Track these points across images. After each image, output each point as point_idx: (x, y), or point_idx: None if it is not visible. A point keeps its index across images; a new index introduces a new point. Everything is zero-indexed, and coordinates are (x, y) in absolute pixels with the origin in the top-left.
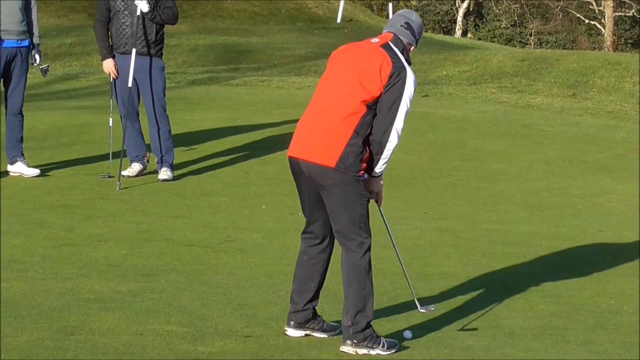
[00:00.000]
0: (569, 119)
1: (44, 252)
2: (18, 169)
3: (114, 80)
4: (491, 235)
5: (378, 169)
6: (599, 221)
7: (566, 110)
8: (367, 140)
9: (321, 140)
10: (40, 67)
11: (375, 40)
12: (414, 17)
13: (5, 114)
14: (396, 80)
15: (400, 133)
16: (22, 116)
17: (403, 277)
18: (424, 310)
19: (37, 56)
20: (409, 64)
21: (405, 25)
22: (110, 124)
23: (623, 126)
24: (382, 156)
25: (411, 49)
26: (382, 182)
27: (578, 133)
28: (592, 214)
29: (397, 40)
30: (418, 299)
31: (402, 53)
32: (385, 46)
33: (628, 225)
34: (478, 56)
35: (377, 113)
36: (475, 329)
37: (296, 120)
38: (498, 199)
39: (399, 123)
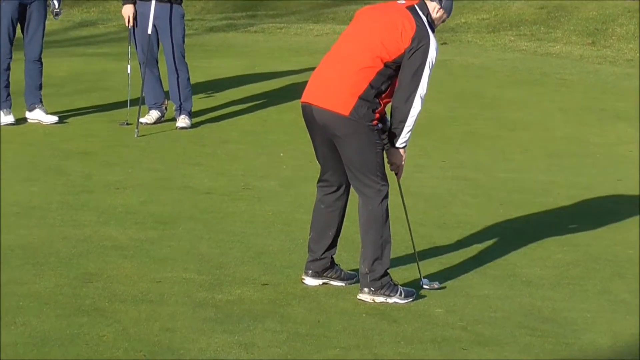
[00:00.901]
0: (588, 67)
1: (62, 199)
2: (36, 115)
3: (133, 27)
4: (509, 184)
5: (401, 139)
6: (618, 170)
7: (585, 59)
8: (380, 95)
9: (336, 89)
10: (54, 10)
11: (402, 2)
12: None
13: (24, 61)
14: (419, 45)
15: (424, 99)
16: (41, 63)
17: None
18: (427, 287)
19: (55, 2)
20: (433, 30)
21: None
22: (129, 71)
23: None
24: (407, 124)
25: (438, 15)
26: (404, 155)
27: (597, 81)
28: (611, 162)
29: (423, 4)
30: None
31: (427, 17)
32: (411, 8)
33: None
34: (497, 4)
35: (399, 80)
36: (444, 287)
37: (314, 68)
38: (516, 148)
39: (422, 89)
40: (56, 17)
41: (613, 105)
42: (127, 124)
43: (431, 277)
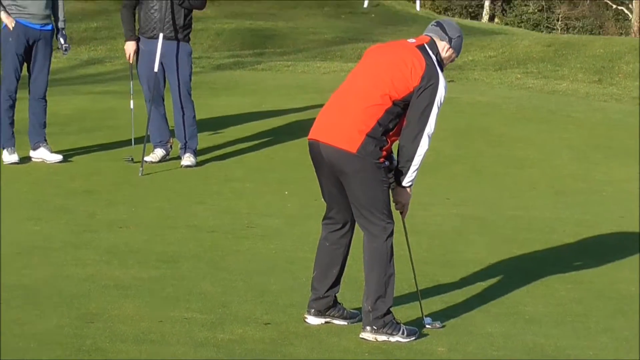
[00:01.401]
0: (595, 104)
1: (65, 238)
2: (41, 154)
3: (139, 64)
4: (515, 221)
5: (408, 178)
6: (623, 207)
7: (592, 96)
8: (387, 133)
9: (344, 126)
10: (63, 46)
11: (412, 40)
12: (452, 22)
13: (29, 99)
14: (428, 84)
15: (431, 137)
16: (46, 101)
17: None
18: (429, 326)
19: (62, 40)
20: (442, 69)
21: (441, 28)
22: (132, 107)
23: None
24: (413, 162)
25: (447, 54)
26: (410, 194)
27: (604, 119)
28: (617, 200)
29: (432, 43)
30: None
31: (437, 57)
32: (421, 47)
33: None
34: (504, 41)
35: (407, 119)
36: (444, 325)
37: (321, 106)
38: (523, 185)
39: (430, 128)
40: (65, 53)
41: (620, 142)
42: (132, 159)
43: (434, 316)
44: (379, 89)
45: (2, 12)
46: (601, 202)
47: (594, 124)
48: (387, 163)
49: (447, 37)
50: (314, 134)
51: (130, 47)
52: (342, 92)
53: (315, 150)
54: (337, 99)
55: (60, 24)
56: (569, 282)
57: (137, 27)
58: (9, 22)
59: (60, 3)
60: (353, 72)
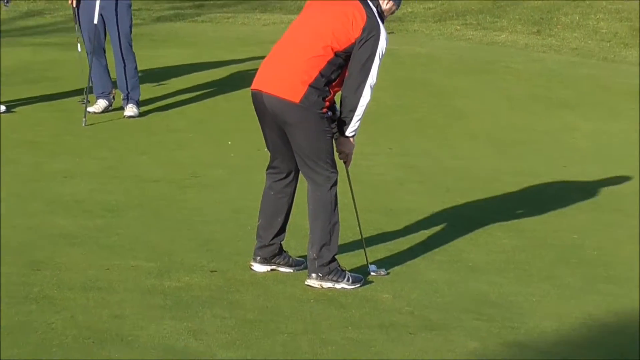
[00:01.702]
0: (534, 55)
1: (10, 189)
2: None
3: (80, 17)
4: (456, 171)
5: (351, 128)
6: (563, 157)
7: (530, 47)
8: (330, 84)
9: (286, 77)
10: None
11: None
12: None
13: None
14: (369, 36)
15: (373, 88)
16: None
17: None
18: (374, 273)
19: None
20: (383, 21)
21: None
22: (79, 50)
23: (587, 63)
24: (356, 113)
25: (388, 5)
26: (354, 143)
27: (542, 70)
28: (556, 150)
29: None
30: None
31: (377, 9)
32: (362, 0)
33: (591, 161)
34: None
35: (349, 70)
36: (388, 273)
37: (262, 57)
38: (463, 136)
39: (372, 79)
40: (7, 5)
41: (558, 93)
42: (87, 101)
43: (378, 264)
44: (321, 40)
45: None
46: (540, 152)
47: (533, 75)
48: (329, 113)
49: None
50: (256, 84)
51: None
52: (283, 43)
53: (258, 100)
54: (279, 50)
55: None
56: (511, 230)
57: None
58: None
59: None
60: (294, 23)
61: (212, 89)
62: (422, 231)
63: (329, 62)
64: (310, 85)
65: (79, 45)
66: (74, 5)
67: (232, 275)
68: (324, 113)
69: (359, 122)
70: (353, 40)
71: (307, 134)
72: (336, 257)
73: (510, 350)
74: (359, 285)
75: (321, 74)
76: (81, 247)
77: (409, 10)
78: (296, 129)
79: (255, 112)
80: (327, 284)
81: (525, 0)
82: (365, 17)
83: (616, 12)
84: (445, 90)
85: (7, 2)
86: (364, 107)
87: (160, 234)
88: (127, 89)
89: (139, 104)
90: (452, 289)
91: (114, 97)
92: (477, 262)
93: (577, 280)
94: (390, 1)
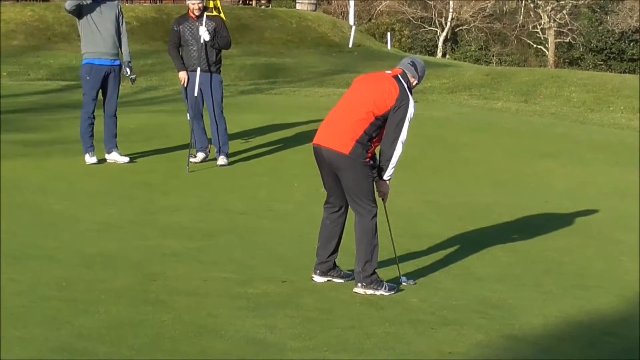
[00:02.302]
0: (522, 118)
1: (131, 219)
2: (113, 157)
3: (185, 90)
4: (465, 205)
5: (387, 174)
6: (545, 194)
7: (520, 112)
8: (371, 140)
9: (339, 135)
10: (131, 77)
11: (388, 72)
12: (418, 59)
13: (104, 116)
14: (401, 104)
15: (404, 143)
16: (116, 117)
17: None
18: (404, 283)
19: (128, 69)
20: (411, 92)
21: (411, 63)
22: (189, 118)
23: (562, 124)
24: (391, 162)
25: (414, 82)
26: (389, 185)
27: (529, 129)
28: (540, 189)
29: (404, 74)
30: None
31: (407, 84)
32: (396, 77)
33: (567, 197)
34: (454, 72)
35: (386, 130)
36: (416, 283)
37: (320, 120)
38: (469, 178)
39: (403, 136)
40: (133, 83)
41: (541, 146)
42: (193, 156)
43: (408, 275)
44: (365, 107)
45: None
46: (528, 190)
47: (522, 133)
48: (371, 162)
49: (417, 75)
50: (316, 140)
51: (183, 74)
52: (337, 109)
53: (318, 152)
54: (333, 114)
55: (126, 58)
56: (507, 250)
57: None
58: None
59: (124, 41)
60: (345, 95)
61: (282, 144)
62: (440, 251)
63: (371, 124)
64: (357, 141)
65: (188, 115)
66: (185, 84)
67: (298, 284)
68: (367, 162)
69: (394, 169)
70: (389, 107)
71: (354, 178)
72: (376, 270)
73: (508, 341)
74: (393, 292)
75: (365, 133)
76: (185, 263)
77: (429, 84)
78: (346, 173)
79: (315, 161)
80: (370, 291)
81: (516, 77)
82: (398, 90)
83: (584, 85)
84: (456, 144)
85: (134, 81)
86: (397, 158)
87: (244, 253)
88: (219, 144)
89: (228, 155)
90: (464, 295)
91: (209, 151)
92: (482, 274)
93: (558, 288)
94: (416, 79)
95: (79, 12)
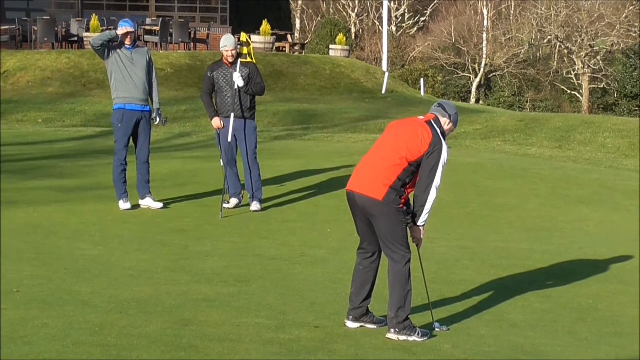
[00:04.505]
0: (556, 164)
1: (165, 264)
2: (146, 202)
3: (219, 135)
4: (498, 251)
5: (420, 220)
6: (579, 240)
7: (554, 158)
8: (405, 186)
9: (372, 180)
10: (161, 120)
11: (421, 117)
12: (446, 101)
13: (136, 162)
14: (434, 149)
15: (438, 188)
16: (149, 164)
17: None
18: (437, 329)
19: (157, 117)
20: (444, 138)
21: (438, 105)
22: (222, 164)
23: (596, 169)
24: (425, 208)
25: (447, 123)
26: (423, 231)
27: (562, 175)
28: (574, 235)
29: (437, 119)
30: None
31: (440, 129)
32: (428, 122)
33: (601, 243)
34: (487, 117)
35: (419, 175)
36: (449, 329)
37: (352, 166)
38: (503, 224)
39: (437, 181)
40: (164, 125)
41: (575, 192)
42: (226, 202)
43: (441, 321)
44: (398, 152)
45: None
46: (562, 237)
47: (555, 179)
48: (404, 208)
49: (447, 114)
50: (350, 186)
51: (216, 121)
52: (370, 155)
53: (351, 198)
54: (366, 160)
55: (156, 105)
56: (540, 296)
57: None
58: None
59: (154, 89)
60: (378, 141)
61: (315, 190)
62: (473, 297)
63: (404, 169)
64: (390, 187)
65: (221, 160)
66: (219, 130)
67: (330, 330)
68: (400, 207)
69: (428, 214)
70: (422, 153)
71: (388, 224)
72: (409, 316)
73: None
74: (426, 338)
75: (398, 178)
76: (218, 308)
77: (462, 130)
78: (379, 219)
79: (348, 206)
80: (402, 337)
81: (550, 123)
82: (431, 135)
83: (618, 131)
84: (490, 189)
85: (164, 123)
86: (431, 203)
87: (276, 298)
88: (252, 190)
89: (261, 201)
90: (497, 341)
91: (242, 196)
92: (515, 321)
93: (592, 335)
94: (450, 123)
95: (105, 52)
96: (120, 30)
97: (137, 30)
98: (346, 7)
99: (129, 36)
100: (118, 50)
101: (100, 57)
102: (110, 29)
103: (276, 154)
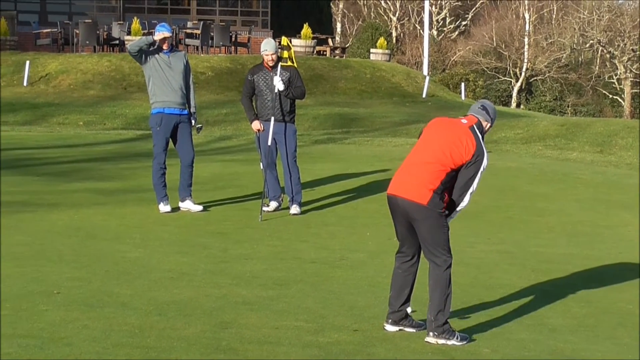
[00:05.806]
0: (598, 169)
1: (204, 267)
2: (187, 205)
3: (259, 139)
4: (538, 256)
5: (450, 219)
6: (620, 245)
7: (595, 163)
8: (445, 190)
9: (416, 185)
10: (197, 126)
11: (464, 121)
12: (488, 102)
13: (180, 165)
14: (476, 160)
15: (472, 194)
16: (193, 167)
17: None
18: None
19: (193, 121)
20: (483, 138)
21: (482, 107)
22: (262, 167)
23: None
24: (456, 211)
25: (487, 126)
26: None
27: (604, 180)
28: (615, 240)
29: (479, 123)
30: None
31: (482, 133)
32: (472, 128)
33: None
34: (528, 122)
35: (457, 178)
36: (469, 316)
37: (392, 170)
38: (543, 229)
39: (473, 187)
40: (199, 132)
41: (616, 197)
42: (262, 203)
43: (480, 327)
44: (441, 159)
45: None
46: (603, 242)
47: (597, 184)
48: (447, 212)
49: (490, 119)
50: (392, 190)
51: (256, 124)
52: (412, 158)
53: (393, 202)
54: (408, 165)
55: (192, 109)
56: (581, 301)
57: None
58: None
59: (191, 94)
60: (420, 142)
61: (355, 194)
62: (513, 301)
63: (447, 174)
64: (434, 192)
65: (261, 164)
66: (259, 133)
67: (369, 334)
68: (442, 212)
69: (456, 214)
70: (465, 162)
71: (431, 228)
72: (448, 320)
73: None
74: (465, 342)
75: (442, 183)
76: (257, 311)
77: (503, 134)
78: (422, 224)
79: (389, 210)
80: (441, 341)
81: (591, 128)
82: (475, 144)
83: None
84: (530, 194)
85: (199, 130)
86: (463, 206)
87: (316, 302)
88: (292, 193)
89: (301, 204)
90: (537, 346)
91: (282, 200)
92: (555, 325)
93: (633, 340)
94: (489, 122)
95: (143, 57)
96: (157, 36)
97: (178, 34)
98: (387, 11)
99: (166, 41)
100: (156, 55)
101: (138, 63)
102: (151, 32)
103: (316, 157)
